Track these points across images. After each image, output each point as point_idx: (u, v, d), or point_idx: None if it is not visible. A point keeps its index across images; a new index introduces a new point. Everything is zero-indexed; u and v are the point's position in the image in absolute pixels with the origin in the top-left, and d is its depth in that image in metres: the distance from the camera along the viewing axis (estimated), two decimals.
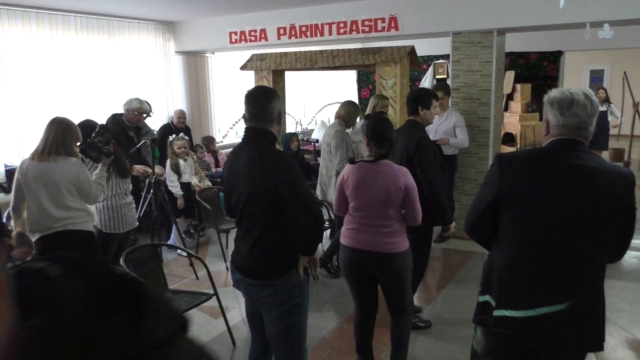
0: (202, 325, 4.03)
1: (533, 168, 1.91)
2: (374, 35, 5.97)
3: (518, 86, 8.74)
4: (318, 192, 4.96)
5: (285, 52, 6.83)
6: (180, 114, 6.92)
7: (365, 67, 6.89)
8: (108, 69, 6.59)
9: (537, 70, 9.16)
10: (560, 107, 1.89)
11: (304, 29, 6.33)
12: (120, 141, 4.45)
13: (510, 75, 8.85)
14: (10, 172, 5.56)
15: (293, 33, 6.44)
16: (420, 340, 3.72)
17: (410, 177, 2.77)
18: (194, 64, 7.76)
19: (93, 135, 3.44)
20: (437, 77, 9.98)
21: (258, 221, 2.33)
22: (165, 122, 7.15)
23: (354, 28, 6.04)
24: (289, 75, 7.34)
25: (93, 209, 3.70)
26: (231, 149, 2.58)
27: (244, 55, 7.36)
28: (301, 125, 10.05)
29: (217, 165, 7.42)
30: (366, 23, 5.94)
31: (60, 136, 3.20)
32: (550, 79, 9.03)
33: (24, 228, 3.33)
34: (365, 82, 10.86)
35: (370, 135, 2.86)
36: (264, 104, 2.42)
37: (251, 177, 2.30)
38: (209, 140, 7.55)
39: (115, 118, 4.89)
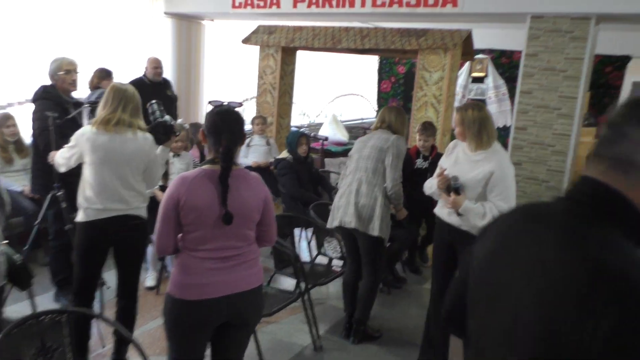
0: None
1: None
2: (422, 12, 4.48)
3: None
4: (337, 216, 3.45)
5: (301, 26, 5.34)
6: (156, 63, 5.27)
7: (403, 54, 5.41)
8: (72, 25, 5.08)
9: (598, 77, 7.69)
10: None
11: None
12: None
13: None
14: None
15: (314, 1, 4.94)
16: None
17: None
18: (187, 31, 6.26)
19: (153, 110, 2.93)
20: (474, 74, 8.53)
21: None
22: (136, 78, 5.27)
23: (396, 0, 4.55)
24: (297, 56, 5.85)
25: None
26: None
27: (250, 25, 5.85)
28: (308, 117, 8.58)
29: (202, 160, 5.94)
30: None
31: (129, 107, 2.73)
32: (613, 88, 7.58)
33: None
34: (387, 72, 9.36)
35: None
36: None
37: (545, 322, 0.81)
38: (197, 128, 6.07)
39: (46, 91, 3.41)
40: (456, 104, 8.78)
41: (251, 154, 5.36)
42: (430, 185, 2.97)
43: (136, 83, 5.15)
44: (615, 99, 7.58)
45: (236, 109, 2.10)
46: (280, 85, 5.59)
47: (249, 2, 5.30)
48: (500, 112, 8.17)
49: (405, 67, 9.11)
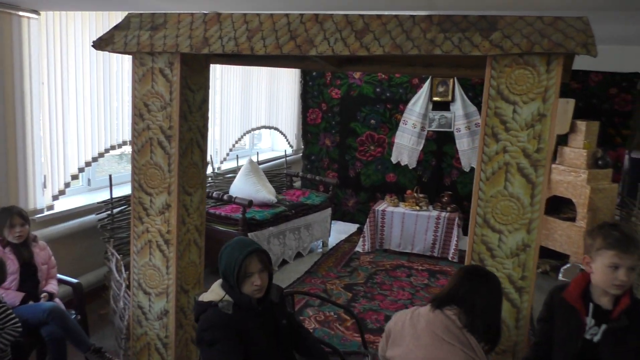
0: None
1: None
2: None
3: (582, 124, 5.37)
4: None
5: (220, 14, 2.62)
6: None
7: (448, 68, 2.88)
8: None
9: (600, 101, 5.93)
10: None
11: None
12: None
13: (568, 105, 5.49)
14: None
15: None
16: None
17: None
18: None
19: None
20: (435, 99, 6.37)
21: None
22: None
23: None
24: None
25: None
26: None
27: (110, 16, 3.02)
28: (212, 165, 5.74)
29: (23, 283, 2.94)
30: None
31: None
32: (619, 116, 5.89)
33: None
34: (316, 98, 6.83)
35: None
36: None
37: None
38: (10, 219, 3.01)
39: None
40: (411, 137, 6.55)
41: None
42: None
43: None
44: (621, 129, 5.88)
45: None
46: (181, 131, 2.80)
47: None
48: (472, 149, 6.08)
49: (340, 90, 6.67)
